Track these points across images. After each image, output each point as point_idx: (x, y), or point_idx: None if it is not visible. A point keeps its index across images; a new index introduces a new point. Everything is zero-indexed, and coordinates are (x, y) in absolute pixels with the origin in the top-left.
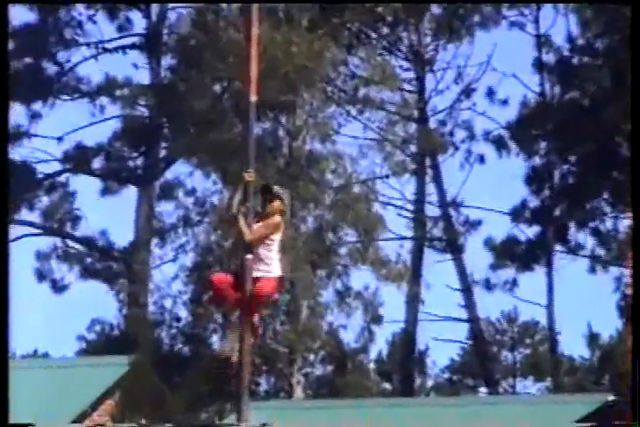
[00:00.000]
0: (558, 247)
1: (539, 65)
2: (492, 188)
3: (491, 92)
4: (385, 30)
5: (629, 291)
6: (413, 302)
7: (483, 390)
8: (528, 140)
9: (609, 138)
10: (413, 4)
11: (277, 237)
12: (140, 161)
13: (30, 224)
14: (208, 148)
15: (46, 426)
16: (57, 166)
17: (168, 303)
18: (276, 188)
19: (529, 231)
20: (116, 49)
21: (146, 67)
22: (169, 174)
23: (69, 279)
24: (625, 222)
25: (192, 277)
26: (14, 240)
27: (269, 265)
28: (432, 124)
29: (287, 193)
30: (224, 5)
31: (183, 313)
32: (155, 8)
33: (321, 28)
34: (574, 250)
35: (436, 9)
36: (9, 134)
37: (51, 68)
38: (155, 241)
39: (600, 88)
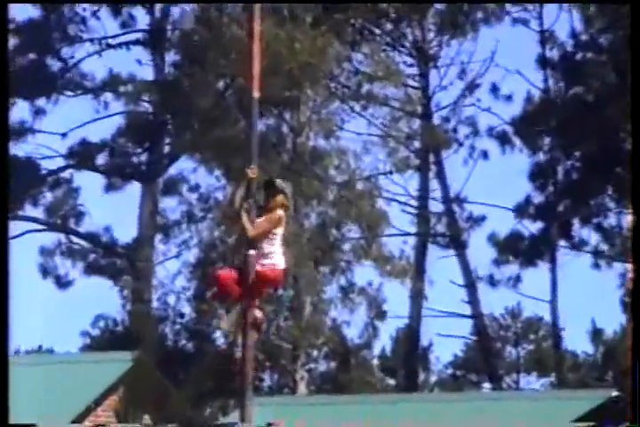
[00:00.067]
0: (562, 243)
1: (542, 61)
2: (496, 184)
3: (494, 88)
4: (388, 26)
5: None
6: (417, 297)
7: (486, 385)
8: (532, 136)
9: (613, 134)
10: (416, 3)
11: (280, 231)
12: (143, 157)
13: (34, 220)
14: (212, 144)
15: (47, 426)
16: (61, 162)
17: (172, 299)
18: (279, 182)
19: (532, 227)
20: (119, 45)
21: (149, 63)
22: (172, 170)
23: (73, 275)
24: (629, 218)
25: (195, 274)
26: (18, 236)
27: (273, 259)
28: (436, 120)
29: (290, 187)
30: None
31: (187, 309)
32: (158, 4)
33: (324, 25)
34: (578, 246)
35: (439, 5)
36: (9, 130)
37: (54, 65)
38: (158, 237)
39: (604, 84)
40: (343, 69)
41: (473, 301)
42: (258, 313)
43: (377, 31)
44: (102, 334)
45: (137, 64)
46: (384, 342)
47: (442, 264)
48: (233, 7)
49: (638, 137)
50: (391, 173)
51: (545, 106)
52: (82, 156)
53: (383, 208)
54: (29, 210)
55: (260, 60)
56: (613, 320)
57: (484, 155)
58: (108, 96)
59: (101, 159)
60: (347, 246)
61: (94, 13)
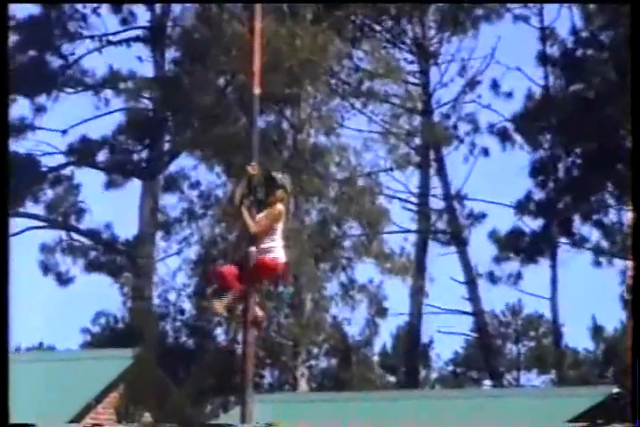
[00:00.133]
0: (563, 240)
1: (543, 58)
2: (496, 181)
3: (495, 85)
4: (389, 23)
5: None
6: (418, 294)
7: (487, 382)
8: (532, 133)
9: (613, 131)
10: (417, 3)
11: (280, 225)
12: (144, 154)
13: (35, 217)
14: (212, 141)
15: (45, 426)
16: (61, 159)
17: (172, 296)
18: (278, 176)
19: (533, 224)
20: (120, 42)
21: (150, 60)
22: (173, 167)
23: (74, 272)
24: (629, 215)
25: (196, 271)
26: (19, 233)
27: (274, 253)
28: (436, 116)
29: (289, 180)
30: None
31: (187, 306)
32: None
33: (325, 22)
34: (578, 243)
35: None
36: (9, 127)
37: (55, 61)
38: (159, 234)
39: (604, 81)
40: (343, 66)
41: (473, 298)
42: (258, 311)
43: (377, 28)
44: (103, 331)
45: (137, 61)
46: (385, 339)
47: (442, 261)
48: (233, 4)
49: (639, 134)
50: (392, 169)
51: (545, 103)
52: (82, 153)
53: (384, 205)
54: (30, 207)
55: (260, 57)
56: (614, 317)
57: (485, 152)
58: (109, 93)
59: (102, 156)
60: (347, 243)
61: (95, 10)
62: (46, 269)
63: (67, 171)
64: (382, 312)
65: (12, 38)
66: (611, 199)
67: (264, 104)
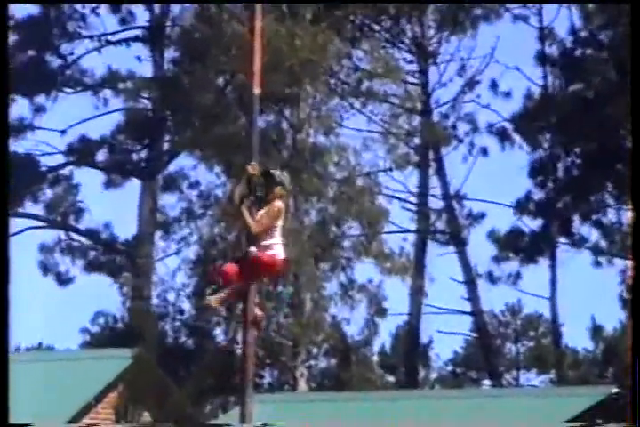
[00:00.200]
0: (562, 240)
1: (542, 57)
2: (496, 180)
3: (494, 85)
4: (388, 23)
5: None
6: (417, 294)
7: (486, 382)
8: (532, 133)
9: (612, 130)
10: (416, 3)
11: (280, 222)
12: (143, 154)
13: (34, 217)
14: (212, 141)
15: (42, 425)
16: (60, 159)
17: (171, 296)
18: (277, 173)
19: (532, 224)
20: (119, 42)
21: (149, 60)
22: (172, 167)
23: (73, 272)
24: (628, 215)
25: (195, 270)
26: (18, 233)
27: (273, 249)
28: (435, 116)
29: (288, 177)
30: None
31: (187, 306)
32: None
33: (324, 21)
34: (578, 243)
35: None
36: (10, 127)
37: (54, 61)
38: (158, 234)
39: (603, 80)
40: (343, 66)
41: (473, 298)
42: (258, 311)
43: (377, 28)
44: (102, 331)
45: (136, 61)
46: (384, 338)
47: (442, 261)
48: (233, 4)
49: (639, 134)
50: (391, 169)
51: (544, 103)
52: (81, 152)
53: (383, 205)
54: (29, 207)
55: (260, 56)
56: (613, 317)
57: (484, 151)
58: (108, 93)
59: (101, 156)
60: (347, 243)
61: (94, 10)
62: (45, 269)
63: (66, 171)
64: (382, 312)
65: (12, 38)
66: (610, 199)
67: (263, 104)
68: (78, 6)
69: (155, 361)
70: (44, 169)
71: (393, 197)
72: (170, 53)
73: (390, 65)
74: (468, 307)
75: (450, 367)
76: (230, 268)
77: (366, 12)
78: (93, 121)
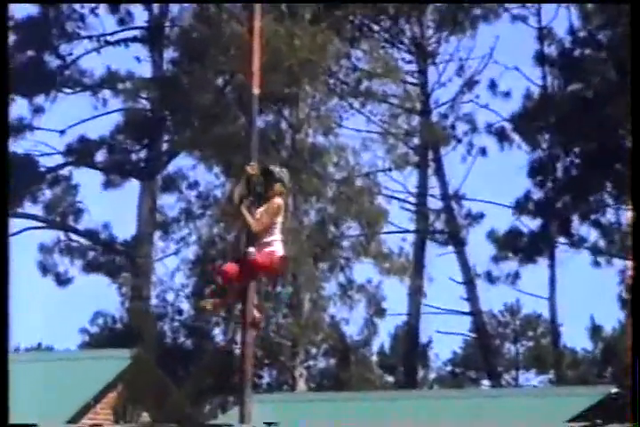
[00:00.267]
0: (561, 240)
1: (541, 58)
2: (495, 181)
3: (493, 85)
4: (387, 23)
5: (630, 287)
6: (416, 294)
7: (485, 382)
8: (531, 133)
9: (612, 130)
10: (415, 3)
11: (280, 219)
12: (142, 154)
13: (33, 217)
14: (211, 141)
15: (43, 425)
16: (59, 160)
17: (170, 296)
18: (276, 170)
19: (531, 224)
20: (118, 42)
21: (148, 60)
22: (171, 167)
23: (72, 273)
24: (628, 214)
25: (194, 271)
26: (17, 233)
27: (273, 246)
28: (434, 116)
29: (287, 173)
30: None
31: (186, 306)
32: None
33: (323, 21)
34: (577, 243)
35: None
36: (9, 127)
37: (53, 62)
38: (157, 234)
39: (603, 80)
40: (342, 66)
41: (472, 298)
42: (256, 313)
43: (376, 28)
44: (101, 332)
45: (135, 61)
46: (383, 339)
47: (441, 261)
48: (232, 4)
49: (638, 133)
50: (390, 169)
51: (543, 102)
52: (80, 153)
53: (382, 205)
54: (28, 207)
55: (259, 56)
56: (612, 317)
57: (483, 151)
58: (107, 93)
59: (100, 156)
60: (346, 243)
61: (92, 10)
62: (45, 269)
63: (65, 171)
64: (381, 312)
65: (11, 38)
66: (609, 199)
67: (262, 104)
68: (77, 7)
69: (154, 361)
70: (43, 169)
71: (392, 197)
72: (169, 54)
73: (389, 65)
74: (466, 307)
75: (449, 367)
76: (230, 267)
77: (365, 12)
78: (92, 121)
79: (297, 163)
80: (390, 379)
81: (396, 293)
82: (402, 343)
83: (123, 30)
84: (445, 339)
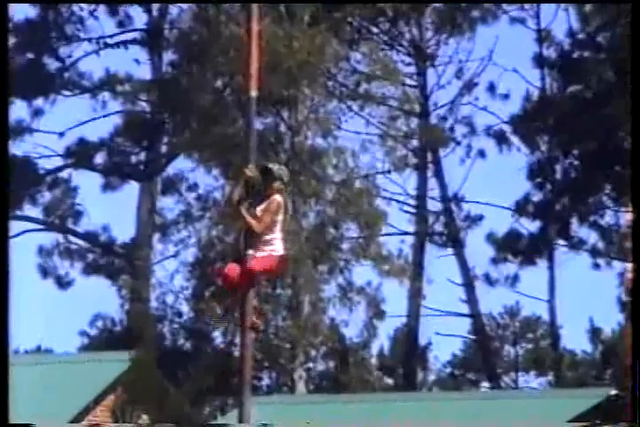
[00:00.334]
0: (560, 242)
1: (540, 59)
2: (494, 183)
3: (492, 87)
4: (386, 25)
5: (630, 289)
6: (415, 297)
7: (485, 384)
8: (530, 135)
9: (611, 132)
10: (415, 3)
11: (280, 216)
12: (141, 156)
13: (32, 220)
14: (210, 143)
15: (45, 426)
16: (59, 162)
17: (170, 299)
18: (275, 167)
19: (531, 226)
20: (117, 44)
21: (147, 62)
22: (171, 170)
23: (72, 275)
24: (627, 216)
25: (194, 273)
26: (16, 236)
27: (273, 245)
28: (433, 118)
29: (286, 171)
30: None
31: (185, 308)
32: (156, 3)
33: (322, 24)
34: (576, 245)
35: (437, 3)
36: (9, 130)
37: (52, 64)
38: (156, 236)
39: (601, 82)
40: (341, 68)
41: (471, 300)
42: (255, 319)
43: (375, 30)
44: (100, 334)
45: (135, 63)
46: (382, 341)
47: (440, 263)
48: (231, 5)
49: (638, 134)
50: (389, 171)
51: (542, 104)
52: (80, 155)
53: (381, 207)
54: (27, 209)
55: (258, 59)
56: (611, 319)
57: (482, 154)
58: (106, 95)
59: (99, 158)
60: (345, 245)
61: (92, 13)
62: (44, 272)
63: (64, 173)
64: (380, 314)
65: (10, 41)
66: (608, 201)
67: (261, 106)
68: (76, 9)
69: (153, 364)
70: (42, 172)
71: (391, 199)
72: (168, 56)
73: (388, 67)
74: (466, 309)
75: (448, 369)
76: (231, 271)
77: (364, 14)
78: (92, 124)
79: (296, 165)
80: (390, 381)
81: (395, 295)
82: (401, 345)
83: (122, 33)
84: (445, 341)
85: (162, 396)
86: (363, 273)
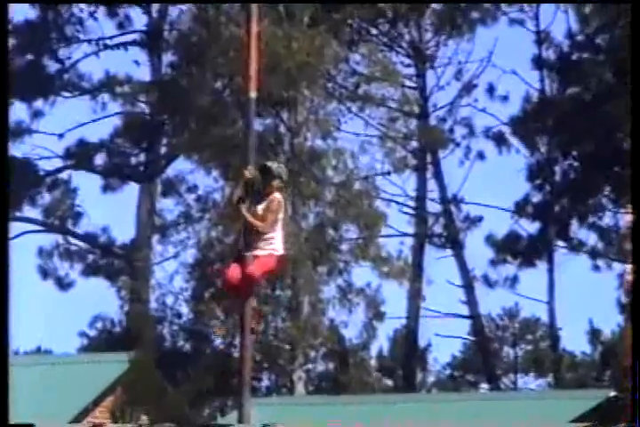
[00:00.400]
0: (560, 243)
1: (539, 61)
2: (493, 184)
3: (491, 89)
4: (386, 27)
5: (629, 289)
6: (415, 298)
7: (484, 386)
8: (529, 137)
9: (610, 133)
10: (414, 3)
11: (281, 215)
12: (141, 158)
13: (32, 221)
14: (210, 144)
15: (45, 426)
16: (58, 163)
17: (169, 300)
18: (274, 166)
19: (530, 227)
20: (116, 46)
21: (147, 64)
22: (170, 171)
23: (72, 276)
24: (627, 218)
25: (193, 274)
26: (16, 237)
27: (273, 244)
28: (433, 120)
29: (285, 169)
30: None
31: (184, 310)
32: (155, 5)
33: (322, 25)
34: (576, 246)
35: (436, 5)
36: (9, 131)
37: (52, 65)
38: (156, 238)
39: (600, 84)
40: (340, 70)
41: (470, 301)
42: (254, 323)
43: (374, 31)
44: (100, 335)
45: (134, 65)
46: (382, 342)
47: (439, 265)
48: (230, 6)
49: (638, 135)
50: (388, 173)
51: (542, 106)
52: (79, 156)
53: (380, 208)
54: (27, 211)
55: (257, 60)
56: (611, 321)
57: (481, 155)
58: (106, 97)
59: (99, 160)
60: (344, 247)
61: (91, 14)
62: (44, 273)
63: (64, 175)
64: (379, 316)
65: (10, 42)
66: (608, 202)
67: (261, 107)
68: (76, 10)
69: (152, 365)
70: (41, 173)
71: (390, 200)
72: (167, 57)
73: (388, 69)
74: (465, 310)
75: (448, 371)
76: (232, 272)
77: (364, 15)
78: (91, 125)
79: (295, 166)
80: (389, 382)
81: (394, 296)
82: (401, 347)
83: (121, 34)
84: (444, 342)
85: (161, 397)
86: (362, 274)
